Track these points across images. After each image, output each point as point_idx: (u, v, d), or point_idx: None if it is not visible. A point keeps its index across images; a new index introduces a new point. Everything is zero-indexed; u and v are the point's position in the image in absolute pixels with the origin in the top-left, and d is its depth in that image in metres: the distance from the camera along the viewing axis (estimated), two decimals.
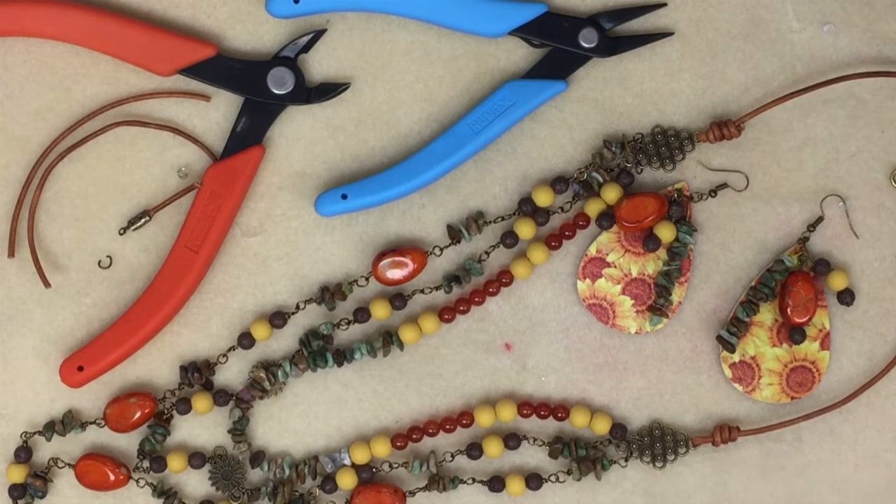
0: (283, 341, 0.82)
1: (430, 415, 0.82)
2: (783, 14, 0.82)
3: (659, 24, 0.82)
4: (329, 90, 0.81)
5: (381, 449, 0.81)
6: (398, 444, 0.81)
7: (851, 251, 0.83)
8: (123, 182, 0.82)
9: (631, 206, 0.80)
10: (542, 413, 0.82)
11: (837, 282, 0.81)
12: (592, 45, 0.81)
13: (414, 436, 0.82)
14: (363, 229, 0.82)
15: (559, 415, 0.82)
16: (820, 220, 0.82)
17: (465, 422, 0.82)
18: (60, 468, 0.82)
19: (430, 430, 0.82)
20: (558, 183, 0.81)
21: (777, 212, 0.82)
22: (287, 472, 0.82)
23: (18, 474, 0.82)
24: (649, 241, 0.81)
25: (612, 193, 0.81)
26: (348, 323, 0.81)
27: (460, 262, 0.82)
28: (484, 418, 0.81)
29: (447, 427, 0.82)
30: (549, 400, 0.82)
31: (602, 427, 0.81)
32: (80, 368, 0.80)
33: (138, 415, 0.81)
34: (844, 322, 0.83)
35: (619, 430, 0.82)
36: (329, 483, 0.81)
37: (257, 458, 0.82)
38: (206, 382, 0.82)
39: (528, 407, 0.82)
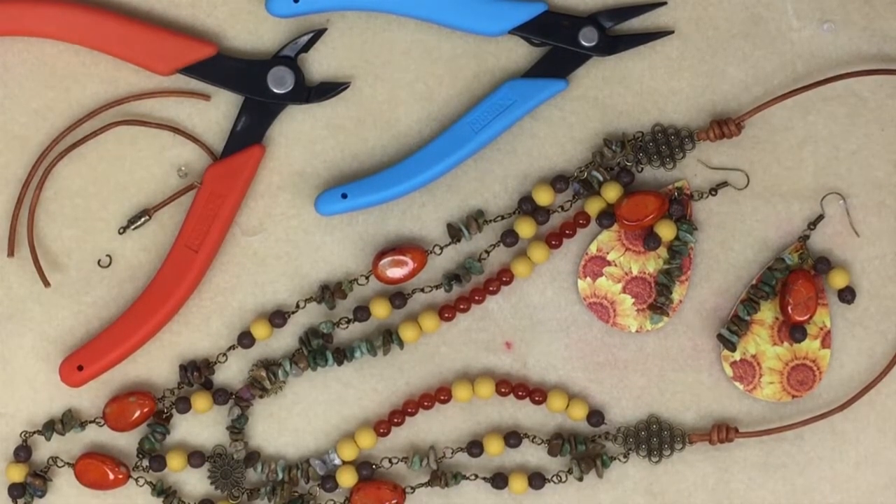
0: (282, 340, 0.82)
1: (429, 414, 0.83)
2: (783, 12, 0.82)
3: (659, 23, 0.82)
4: (329, 89, 0.81)
5: (366, 440, 0.81)
6: (381, 430, 0.81)
7: (852, 249, 0.83)
8: (123, 181, 0.82)
9: (631, 205, 0.80)
10: (520, 393, 0.81)
11: (838, 280, 0.81)
12: (592, 44, 0.81)
13: (395, 419, 0.81)
14: (363, 228, 0.82)
15: (536, 398, 0.81)
16: (820, 218, 0.82)
17: (442, 397, 0.81)
18: (60, 467, 0.82)
19: (410, 410, 0.81)
20: (558, 182, 0.81)
21: (777, 210, 0.82)
22: (280, 475, 0.81)
23: (18, 473, 0.81)
24: (650, 240, 0.81)
25: (612, 192, 0.81)
26: (348, 322, 0.81)
27: (460, 261, 0.82)
28: (461, 394, 0.81)
29: (425, 404, 0.81)
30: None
31: (579, 413, 0.81)
32: (80, 367, 0.80)
33: (138, 414, 0.81)
34: (845, 320, 0.83)
35: (596, 416, 0.82)
36: (329, 481, 0.81)
37: (251, 458, 0.82)
38: (206, 381, 0.82)
39: (505, 385, 0.81)
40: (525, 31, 0.81)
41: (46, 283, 0.81)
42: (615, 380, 0.83)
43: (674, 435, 0.81)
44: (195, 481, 0.83)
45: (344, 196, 0.80)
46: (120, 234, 0.82)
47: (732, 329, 0.81)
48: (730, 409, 0.83)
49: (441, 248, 0.82)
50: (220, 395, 0.82)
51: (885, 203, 0.82)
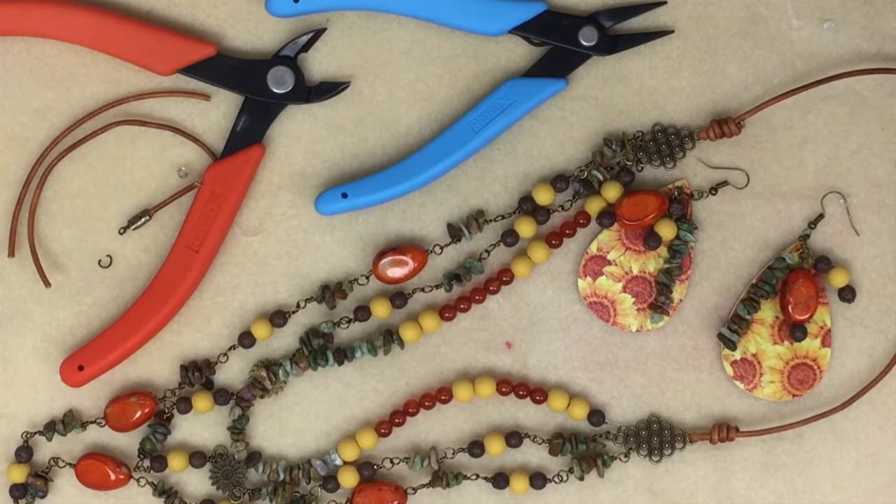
0: (283, 340, 0.82)
1: (430, 414, 0.83)
2: (783, 11, 0.82)
3: (659, 22, 0.82)
4: (329, 89, 0.81)
5: (367, 441, 0.81)
6: (382, 431, 0.81)
7: (852, 248, 0.83)
8: (123, 181, 0.82)
9: (631, 204, 0.80)
10: (521, 393, 0.81)
11: (838, 279, 0.81)
12: (592, 44, 0.81)
13: (396, 420, 0.81)
14: (363, 228, 0.82)
15: (537, 397, 0.81)
16: (821, 217, 0.82)
17: (443, 397, 0.81)
18: (61, 468, 0.82)
19: (411, 410, 0.82)
20: (559, 181, 0.81)
21: (777, 209, 0.82)
22: (282, 475, 0.82)
23: (19, 474, 0.81)
24: (650, 239, 0.81)
25: (612, 191, 0.81)
26: (349, 321, 0.81)
27: (461, 261, 0.82)
28: (462, 394, 0.81)
29: (426, 404, 0.81)
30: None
31: (580, 412, 0.81)
32: (81, 368, 0.80)
33: (139, 414, 0.81)
34: (845, 319, 0.83)
35: (597, 415, 0.82)
36: (330, 482, 0.81)
37: (253, 458, 0.82)
38: (207, 382, 0.82)
39: (506, 385, 0.81)
40: (525, 30, 0.81)
41: (47, 284, 0.81)
42: (616, 379, 0.83)
43: (674, 434, 0.81)
44: (196, 482, 0.83)
45: (344, 196, 0.80)
46: (120, 234, 0.82)
47: (733, 328, 0.81)
48: (730, 409, 0.83)
49: (441, 248, 0.82)
50: (221, 396, 0.82)
51: (886, 202, 0.83)
